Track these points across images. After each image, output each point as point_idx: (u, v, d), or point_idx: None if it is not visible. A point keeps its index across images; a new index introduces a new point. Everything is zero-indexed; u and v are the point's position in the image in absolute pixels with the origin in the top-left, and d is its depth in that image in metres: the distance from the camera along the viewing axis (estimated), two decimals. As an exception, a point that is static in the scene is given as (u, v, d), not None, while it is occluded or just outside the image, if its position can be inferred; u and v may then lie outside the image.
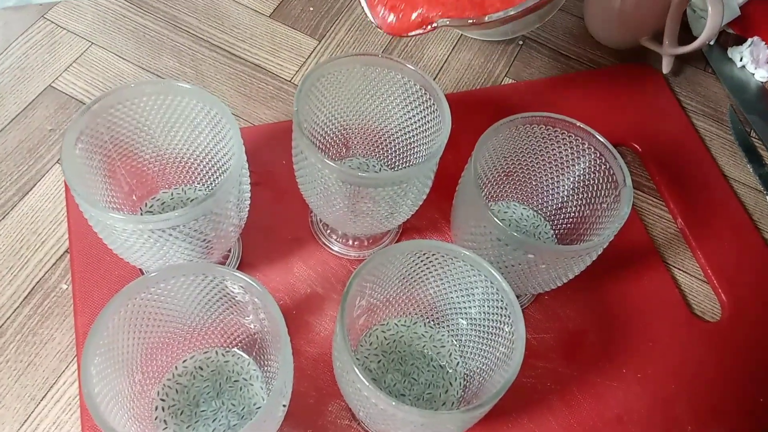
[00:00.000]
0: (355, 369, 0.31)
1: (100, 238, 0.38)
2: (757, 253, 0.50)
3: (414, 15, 0.36)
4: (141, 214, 0.43)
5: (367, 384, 0.31)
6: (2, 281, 0.45)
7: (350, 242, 0.47)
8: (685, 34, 0.60)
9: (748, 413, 0.44)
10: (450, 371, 0.40)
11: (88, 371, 0.31)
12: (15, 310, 0.44)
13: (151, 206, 0.44)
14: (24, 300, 0.44)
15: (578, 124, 0.40)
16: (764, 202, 0.53)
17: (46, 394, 0.41)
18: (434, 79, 0.56)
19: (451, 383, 0.40)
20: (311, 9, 0.60)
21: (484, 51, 0.59)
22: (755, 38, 0.60)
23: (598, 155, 0.40)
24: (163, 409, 0.38)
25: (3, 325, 0.43)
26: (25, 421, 0.40)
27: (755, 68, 0.59)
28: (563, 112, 0.47)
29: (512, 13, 0.37)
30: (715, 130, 0.57)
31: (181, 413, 0.38)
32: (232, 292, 0.35)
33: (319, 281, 0.46)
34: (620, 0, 0.56)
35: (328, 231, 0.47)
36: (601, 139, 0.40)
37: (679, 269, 0.49)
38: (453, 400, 0.39)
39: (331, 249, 0.47)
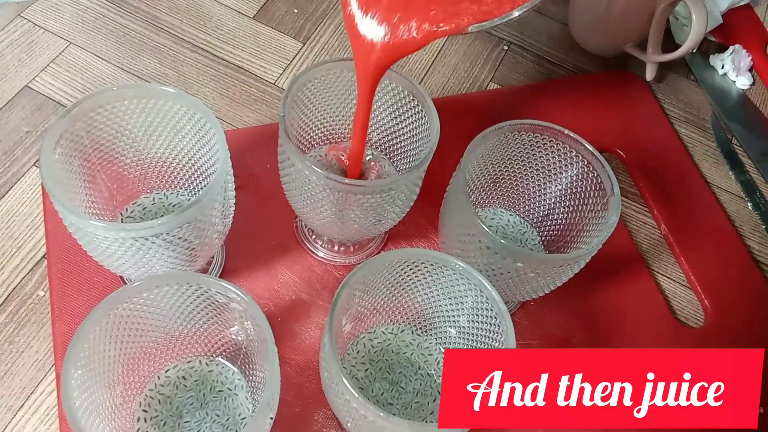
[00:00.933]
0: (344, 380, 0.31)
1: (78, 243, 0.37)
2: (740, 259, 0.50)
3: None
4: (122, 220, 0.42)
5: (357, 396, 0.30)
6: (-24, 288, 0.43)
7: (336, 248, 0.47)
8: (668, 42, 0.61)
9: (731, 419, 0.44)
10: (438, 380, 0.40)
11: (68, 384, 0.30)
12: (-10, 317, 0.43)
13: (132, 212, 0.43)
14: (0, 307, 0.43)
15: (566, 132, 0.40)
16: (746, 208, 0.53)
17: (23, 405, 0.40)
18: (419, 83, 0.56)
19: (439, 392, 0.39)
20: (295, 11, 0.59)
21: (470, 56, 0.59)
22: (737, 46, 0.61)
23: (586, 163, 0.40)
24: (145, 420, 0.37)
25: (-23, 333, 0.42)
26: (2, 431, 0.39)
27: (736, 76, 0.60)
28: (548, 117, 0.46)
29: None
30: (697, 137, 0.57)
31: (164, 424, 0.37)
32: (217, 301, 0.35)
33: (304, 288, 0.45)
34: (604, 7, 0.56)
35: (314, 237, 0.47)
36: (590, 148, 0.40)
37: (663, 275, 0.49)
38: (440, 409, 0.39)
39: (316, 255, 0.46)
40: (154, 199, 0.43)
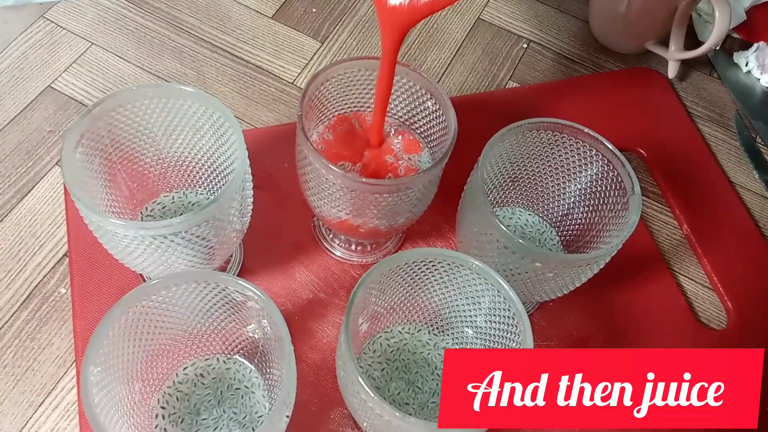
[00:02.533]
0: (360, 380, 0.31)
1: (99, 241, 0.37)
2: (763, 259, 0.49)
3: None
4: (141, 219, 0.42)
5: (373, 395, 0.30)
6: (0, 285, 0.44)
7: (353, 247, 0.47)
8: (691, 39, 0.60)
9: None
10: (454, 380, 0.40)
11: (87, 381, 0.30)
12: (13, 314, 0.43)
13: (151, 210, 0.43)
14: (22, 304, 0.44)
15: (586, 131, 0.40)
16: (770, 208, 0.52)
17: (44, 400, 0.41)
18: (438, 82, 0.56)
19: (455, 392, 0.39)
20: (314, 10, 0.59)
21: (489, 54, 0.59)
22: (761, 43, 0.59)
23: (606, 162, 0.40)
24: (163, 417, 0.37)
25: (1, 329, 0.43)
26: (23, 427, 0.40)
27: (761, 73, 0.59)
28: (567, 116, 0.46)
29: None
30: (720, 136, 0.56)
31: (181, 421, 0.37)
32: (235, 299, 0.35)
33: (321, 286, 0.45)
34: (625, 4, 0.56)
35: (331, 236, 0.47)
36: (610, 146, 0.39)
37: (685, 276, 0.49)
38: (457, 409, 0.39)
39: (333, 254, 0.46)
40: (173, 198, 0.44)
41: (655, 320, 0.46)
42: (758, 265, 0.49)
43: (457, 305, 0.38)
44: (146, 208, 0.43)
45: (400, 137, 0.42)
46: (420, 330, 0.41)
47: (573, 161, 0.42)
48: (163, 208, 0.43)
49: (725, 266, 0.49)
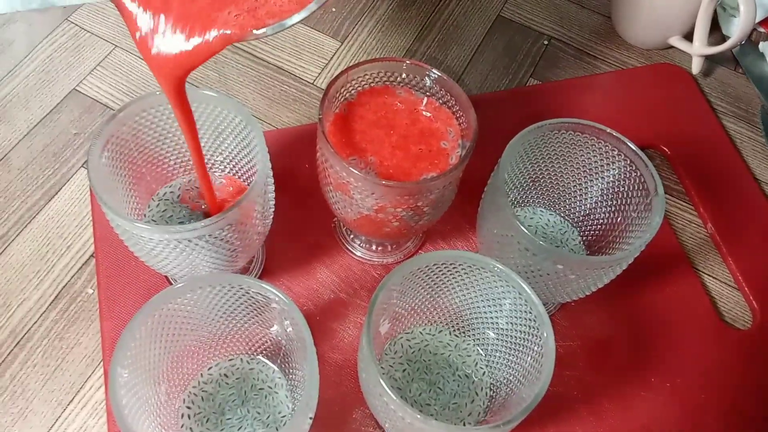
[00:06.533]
0: (382, 382, 0.31)
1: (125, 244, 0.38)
2: (790, 259, 0.49)
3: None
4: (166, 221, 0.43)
5: (395, 398, 0.30)
6: (29, 285, 0.45)
7: (374, 247, 0.47)
8: (716, 34, 0.59)
9: (780, 425, 0.43)
10: (476, 381, 0.40)
11: (115, 382, 0.31)
12: (42, 314, 0.44)
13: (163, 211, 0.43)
14: (50, 304, 0.45)
15: (608, 131, 0.39)
16: (797, 206, 0.51)
17: (72, 399, 0.42)
18: (458, 81, 0.56)
19: (477, 393, 0.39)
20: (333, 10, 0.59)
21: (509, 51, 0.59)
22: (788, 37, 0.58)
23: (629, 162, 0.39)
24: (188, 417, 0.38)
25: (30, 329, 0.44)
26: (52, 425, 0.41)
27: (788, 68, 0.58)
28: (589, 113, 0.46)
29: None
30: (746, 132, 0.55)
31: (206, 421, 0.38)
32: (258, 302, 0.35)
33: (342, 287, 0.45)
34: (649, -2, 0.55)
35: (351, 236, 0.47)
36: (633, 146, 0.39)
37: (709, 275, 0.48)
38: (479, 410, 0.39)
39: (354, 254, 0.47)
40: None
41: (679, 320, 0.45)
42: (785, 264, 0.48)
43: (478, 307, 0.38)
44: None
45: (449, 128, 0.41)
46: (441, 331, 0.41)
47: (595, 161, 0.41)
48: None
49: (750, 265, 0.48)
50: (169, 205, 0.42)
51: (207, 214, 0.41)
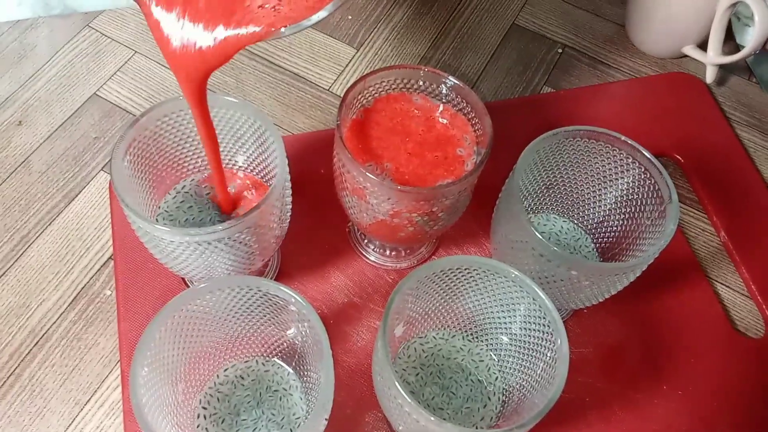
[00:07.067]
0: (397, 385, 0.31)
1: (143, 244, 0.38)
2: (804, 268, 0.49)
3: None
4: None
5: (409, 400, 0.31)
6: (48, 286, 0.46)
7: (387, 252, 0.47)
8: (730, 43, 0.59)
9: (793, 434, 0.43)
10: (488, 386, 0.40)
11: (136, 381, 0.31)
12: (60, 315, 0.45)
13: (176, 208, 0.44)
14: (69, 305, 0.45)
15: (623, 138, 0.40)
16: (811, 216, 0.51)
17: (90, 399, 0.42)
18: (472, 88, 0.56)
19: (489, 398, 0.40)
20: (349, 17, 0.60)
21: (523, 59, 0.59)
22: (803, 47, 0.58)
23: (643, 170, 0.40)
24: (204, 417, 0.38)
25: (49, 329, 0.44)
26: (70, 425, 0.41)
27: (803, 78, 0.58)
28: (603, 121, 0.46)
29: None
30: (759, 141, 0.55)
31: (222, 421, 0.38)
32: (275, 304, 0.36)
33: (356, 291, 0.46)
34: (663, 7, 0.55)
35: (366, 241, 0.48)
36: (647, 154, 0.39)
37: (722, 284, 0.48)
38: (491, 415, 0.39)
39: (368, 259, 0.47)
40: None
41: (692, 328, 0.46)
42: (798, 274, 0.48)
43: (492, 312, 0.39)
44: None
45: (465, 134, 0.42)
46: (454, 336, 0.42)
47: (609, 169, 0.42)
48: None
49: (764, 274, 0.48)
50: (186, 197, 0.43)
51: (218, 205, 0.42)
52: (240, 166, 0.43)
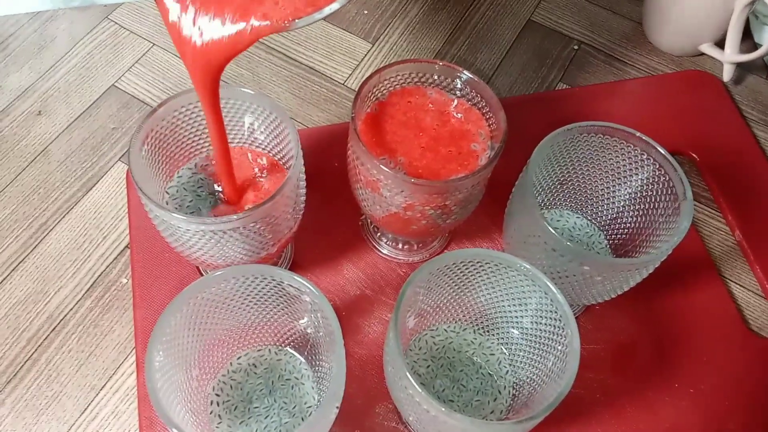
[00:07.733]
0: (408, 375, 0.31)
1: (158, 234, 0.39)
2: (819, 269, 0.48)
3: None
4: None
5: (420, 391, 0.31)
6: (66, 274, 0.47)
7: (400, 246, 0.47)
8: (747, 41, 0.59)
9: (805, 434, 0.42)
10: (499, 380, 0.40)
11: (151, 366, 0.32)
12: (77, 302, 0.46)
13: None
14: (86, 293, 0.46)
15: (638, 135, 0.40)
16: (828, 216, 0.51)
17: (105, 384, 0.43)
18: (487, 83, 0.56)
19: (499, 392, 0.40)
20: (365, 12, 0.60)
21: (539, 55, 0.59)
22: (822, 46, 0.58)
23: (658, 167, 0.40)
24: (217, 404, 0.39)
25: (66, 316, 0.45)
26: (85, 409, 0.42)
27: (821, 77, 0.57)
28: (619, 118, 0.46)
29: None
30: (776, 141, 0.55)
31: (234, 409, 0.39)
32: (289, 294, 0.36)
33: (368, 284, 0.46)
34: (680, 5, 0.55)
35: (378, 234, 0.48)
36: (662, 151, 0.39)
37: (736, 283, 0.48)
38: (501, 408, 0.39)
39: (380, 252, 0.47)
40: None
41: (704, 326, 0.45)
42: (814, 274, 0.48)
43: (503, 306, 0.39)
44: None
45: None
46: (465, 329, 0.42)
47: (624, 165, 0.42)
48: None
49: (779, 274, 0.48)
50: (191, 178, 0.43)
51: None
52: (255, 148, 0.43)
